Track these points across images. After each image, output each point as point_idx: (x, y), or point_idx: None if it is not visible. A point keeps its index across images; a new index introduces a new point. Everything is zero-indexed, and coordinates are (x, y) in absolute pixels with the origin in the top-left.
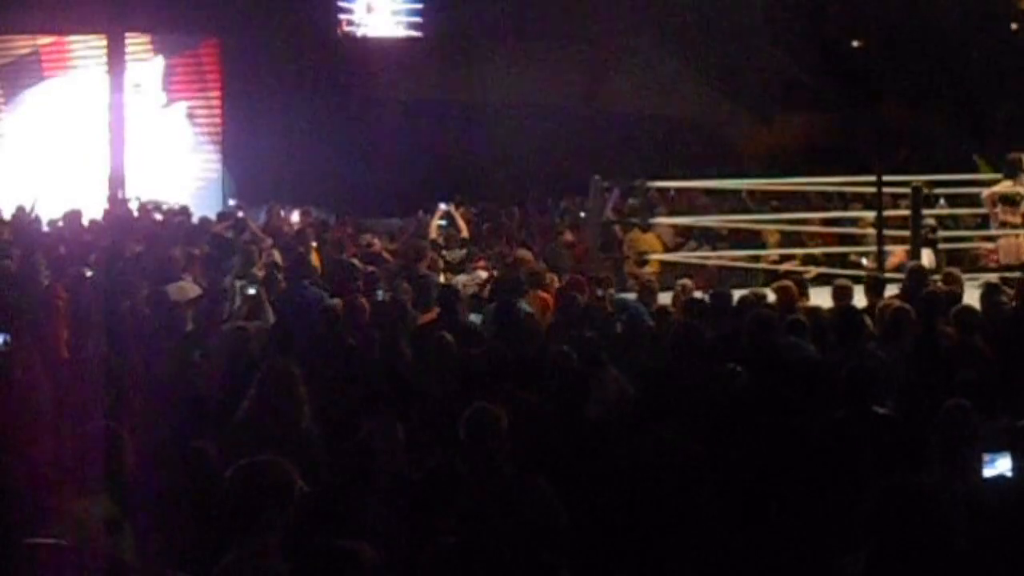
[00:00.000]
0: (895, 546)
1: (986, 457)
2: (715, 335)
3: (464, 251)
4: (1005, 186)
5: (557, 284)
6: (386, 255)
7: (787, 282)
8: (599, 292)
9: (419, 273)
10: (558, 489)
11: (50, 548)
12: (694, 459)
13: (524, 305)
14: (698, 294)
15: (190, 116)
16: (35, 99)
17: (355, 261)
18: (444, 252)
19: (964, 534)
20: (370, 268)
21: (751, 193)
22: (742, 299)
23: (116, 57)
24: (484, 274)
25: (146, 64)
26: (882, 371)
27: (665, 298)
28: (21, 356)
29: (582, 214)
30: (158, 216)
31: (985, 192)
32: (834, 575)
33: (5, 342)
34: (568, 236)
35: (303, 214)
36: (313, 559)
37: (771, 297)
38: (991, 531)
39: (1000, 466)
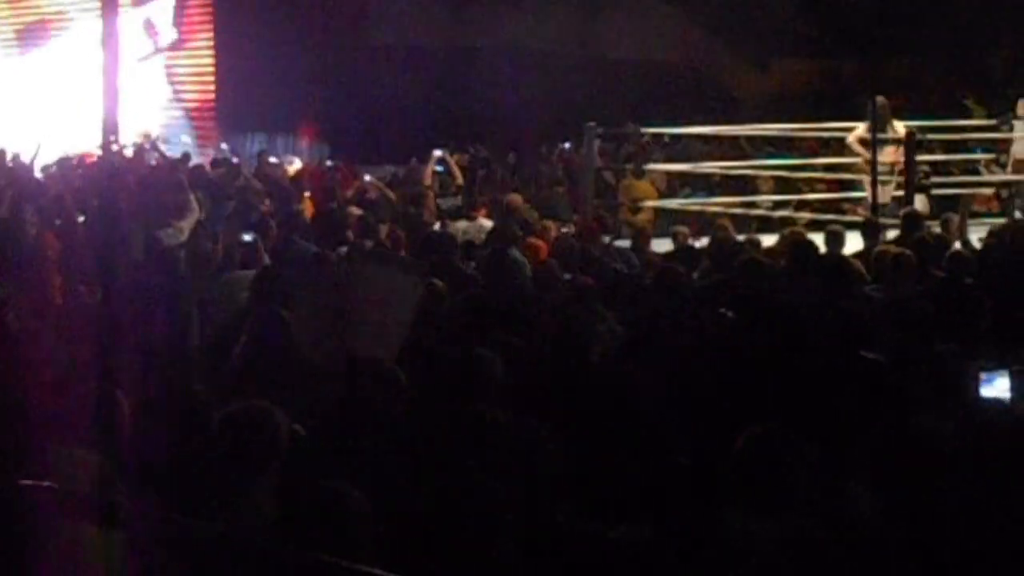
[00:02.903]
0: (887, 485)
1: (983, 376)
2: (710, 281)
3: (459, 198)
4: (864, 129)
5: (554, 232)
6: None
7: (796, 229)
8: (605, 238)
9: (414, 220)
10: (553, 432)
11: (43, 490)
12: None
13: (516, 253)
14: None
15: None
16: (39, 56)
17: (353, 209)
18: (439, 200)
19: (960, 471)
20: (361, 214)
21: (750, 139)
22: (732, 245)
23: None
24: (489, 223)
25: (147, 6)
26: (873, 316)
27: (659, 245)
28: (12, 303)
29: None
30: (153, 158)
31: (850, 136)
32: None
33: None
34: (563, 183)
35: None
36: (299, 501)
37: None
38: (987, 460)
39: (998, 386)
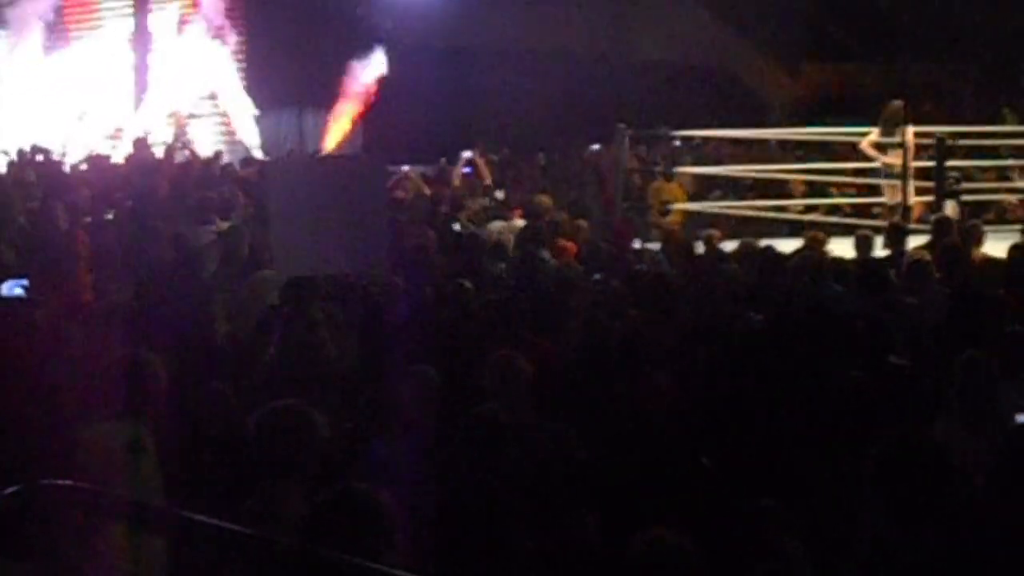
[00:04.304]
0: (903, 496)
1: (1020, 416)
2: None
3: (487, 199)
4: (876, 134)
5: (586, 231)
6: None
7: (816, 232)
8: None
9: (445, 220)
10: (580, 434)
11: (67, 489)
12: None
13: (545, 255)
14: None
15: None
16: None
17: None
18: (468, 200)
19: (984, 480)
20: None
21: (780, 143)
22: (744, 246)
23: (141, 1)
24: (523, 223)
25: (169, 8)
26: (903, 322)
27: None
28: (41, 300)
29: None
30: (182, 156)
31: (863, 142)
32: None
33: (24, 288)
34: (593, 185)
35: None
36: (327, 502)
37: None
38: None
39: None
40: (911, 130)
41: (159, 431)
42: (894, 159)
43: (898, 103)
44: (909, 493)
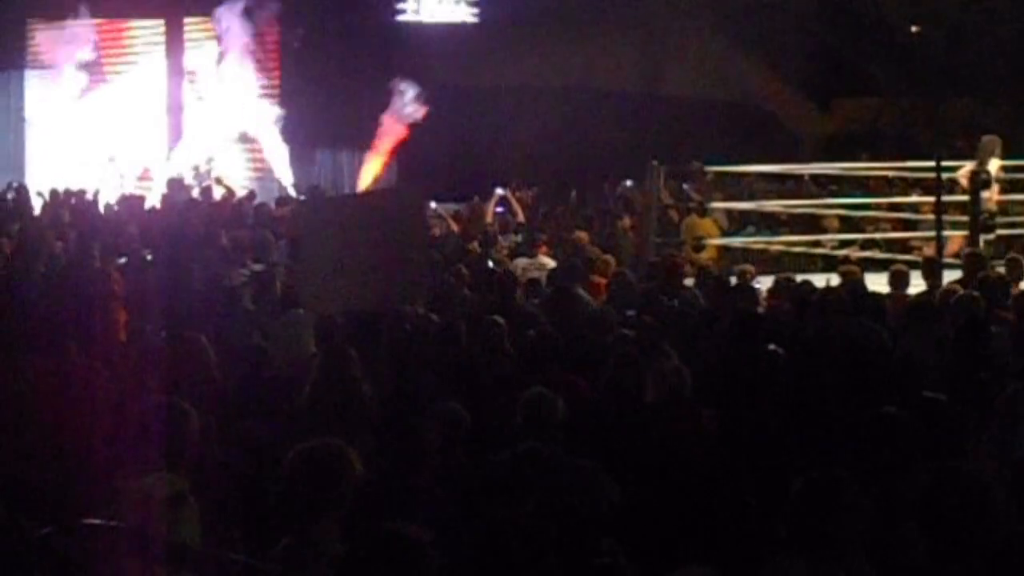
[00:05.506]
0: (944, 531)
1: None
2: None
3: (520, 236)
4: (971, 166)
5: (614, 268)
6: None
7: (851, 266)
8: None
9: (478, 257)
10: (613, 473)
11: (110, 530)
12: (737, 442)
13: (581, 291)
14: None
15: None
16: (98, 92)
17: None
18: (500, 237)
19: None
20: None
21: (814, 178)
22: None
23: (174, 43)
24: (549, 261)
25: (203, 49)
26: (947, 357)
27: None
28: (77, 339)
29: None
30: (220, 190)
31: (959, 174)
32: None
33: None
34: (627, 221)
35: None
36: (366, 542)
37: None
38: None
39: None
40: (997, 163)
41: (198, 479)
42: (987, 193)
43: (992, 136)
44: (953, 526)
